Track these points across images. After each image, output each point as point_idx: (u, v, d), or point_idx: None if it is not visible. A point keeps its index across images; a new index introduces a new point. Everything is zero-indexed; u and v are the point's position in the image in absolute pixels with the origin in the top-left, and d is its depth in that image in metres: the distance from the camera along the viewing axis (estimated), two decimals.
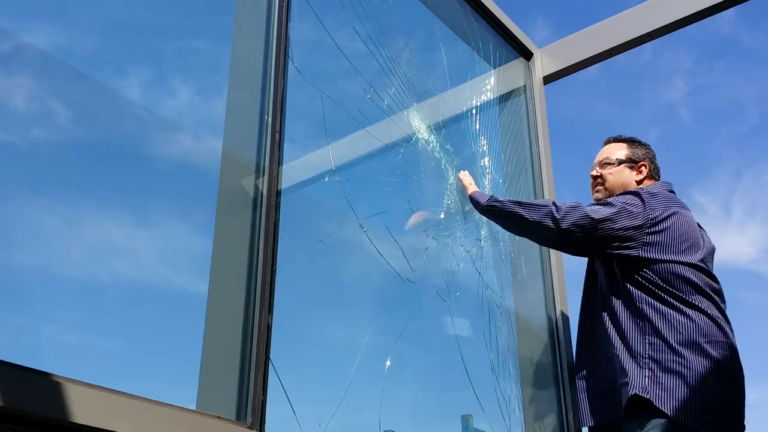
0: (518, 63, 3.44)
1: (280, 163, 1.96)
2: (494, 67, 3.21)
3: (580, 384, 2.37)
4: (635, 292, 2.24)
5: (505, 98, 3.31)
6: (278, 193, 1.93)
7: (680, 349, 2.12)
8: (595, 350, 2.35)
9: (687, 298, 2.19)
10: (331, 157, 2.18)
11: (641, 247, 2.23)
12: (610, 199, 2.33)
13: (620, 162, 2.48)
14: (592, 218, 2.23)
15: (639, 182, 2.46)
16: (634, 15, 3.28)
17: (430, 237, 2.49)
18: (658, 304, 2.20)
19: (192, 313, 1.82)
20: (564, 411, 2.79)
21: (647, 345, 2.17)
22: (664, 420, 2.07)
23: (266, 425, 1.68)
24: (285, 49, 2.08)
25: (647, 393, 2.09)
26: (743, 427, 2.18)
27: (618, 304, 2.27)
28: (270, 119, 1.98)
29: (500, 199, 2.41)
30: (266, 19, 2.11)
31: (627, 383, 2.15)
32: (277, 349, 1.77)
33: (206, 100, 2.11)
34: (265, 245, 1.83)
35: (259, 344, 1.73)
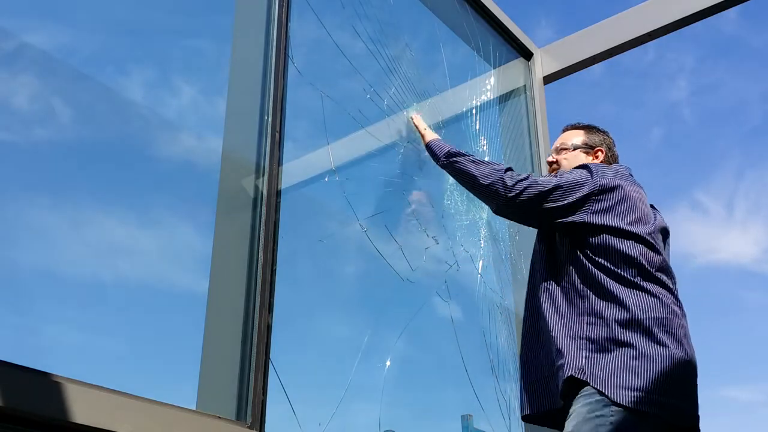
0: (518, 63, 3.44)
1: (280, 163, 1.96)
2: (494, 67, 3.21)
3: (521, 371, 2.23)
4: (576, 269, 2.14)
5: (505, 98, 3.31)
6: (278, 193, 1.93)
7: (620, 329, 2.01)
8: (535, 333, 2.22)
9: (629, 276, 2.08)
10: (331, 157, 2.18)
11: (586, 214, 2.14)
12: (558, 172, 2.28)
13: (576, 147, 2.43)
14: (542, 188, 2.16)
15: None
16: (635, 15, 3.28)
17: (430, 237, 2.49)
18: (599, 282, 2.08)
19: (192, 313, 1.82)
20: None
21: (585, 325, 2.06)
22: (598, 398, 1.93)
23: (266, 425, 1.68)
24: (285, 49, 2.08)
25: (584, 374, 1.97)
26: (691, 416, 2.01)
27: (558, 283, 2.17)
28: (270, 119, 1.98)
29: (457, 156, 2.31)
30: (266, 19, 2.11)
31: (563, 365, 2.01)
32: (277, 349, 1.77)
33: (207, 100, 2.11)
34: (265, 245, 1.83)
35: (259, 344, 1.73)
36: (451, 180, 2.66)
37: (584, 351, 2.01)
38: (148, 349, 1.75)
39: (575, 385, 1.99)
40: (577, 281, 2.12)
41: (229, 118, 2.02)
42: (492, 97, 3.14)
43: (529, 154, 3.26)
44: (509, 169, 2.24)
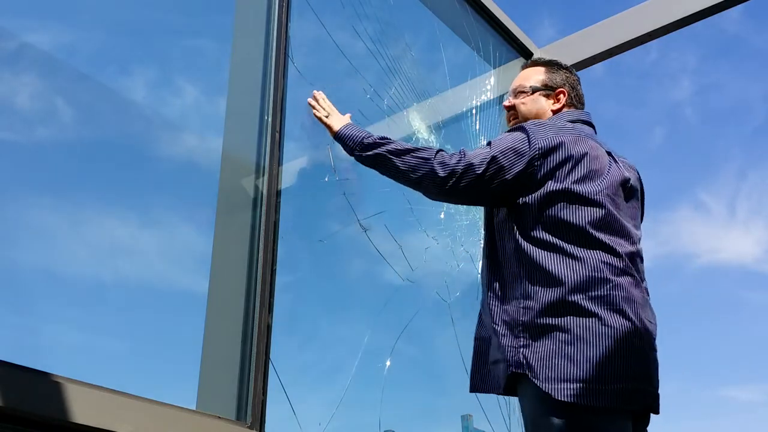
0: (518, 63, 3.44)
1: (280, 163, 1.96)
2: (494, 67, 3.21)
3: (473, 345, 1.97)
4: (512, 245, 1.89)
5: (505, 98, 3.31)
6: (278, 193, 1.93)
7: (553, 309, 1.76)
8: (480, 319, 1.99)
9: (565, 245, 1.81)
10: (331, 157, 2.18)
11: (528, 185, 1.88)
12: (492, 140, 1.96)
13: (534, 90, 2.13)
14: (477, 169, 1.88)
15: (555, 112, 2.09)
16: (635, 15, 3.29)
17: (430, 237, 2.50)
18: (532, 257, 1.82)
19: (192, 313, 1.82)
20: None
21: (521, 309, 1.81)
22: (540, 395, 1.72)
23: (266, 425, 1.68)
24: (285, 49, 2.08)
25: (522, 368, 1.75)
26: (645, 396, 1.78)
27: (496, 262, 1.93)
28: (270, 119, 1.98)
29: (375, 147, 1.95)
30: (266, 19, 2.11)
31: (503, 359, 1.80)
32: (277, 349, 1.77)
33: (207, 100, 2.11)
34: (265, 245, 1.83)
35: (259, 344, 1.73)
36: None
37: (521, 339, 1.78)
38: (148, 349, 1.75)
39: (520, 379, 1.77)
40: (513, 259, 1.87)
41: (229, 118, 2.02)
42: (492, 97, 3.14)
43: None
44: (439, 151, 1.95)
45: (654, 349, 1.83)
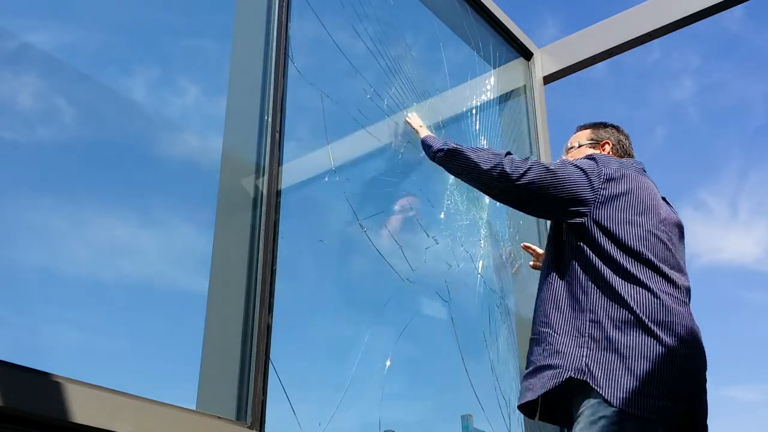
0: (518, 63, 3.44)
1: (280, 163, 1.96)
2: (494, 67, 3.21)
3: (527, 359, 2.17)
4: (579, 263, 2.06)
5: (505, 98, 3.31)
6: (278, 193, 1.93)
7: (621, 327, 1.94)
8: (535, 327, 2.15)
9: (634, 271, 2.00)
10: (331, 157, 2.18)
11: (592, 205, 2.07)
12: (562, 159, 2.25)
13: (581, 145, 2.42)
14: (544, 169, 2.09)
15: None
16: (635, 15, 3.29)
17: (430, 237, 2.50)
18: (602, 277, 2.01)
19: (192, 313, 1.82)
20: None
21: (587, 322, 1.99)
22: (599, 400, 1.89)
23: (266, 425, 1.68)
24: (285, 49, 2.08)
25: (583, 374, 1.92)
26: (694, 418, 1.96)
27: (561, 276, 2.10)
28: (270, 119, 1.98)
29: (453, 145, 2.24)
30: (266, 19, 2.11)
31: (560, 365, 1.96)
32: (277, 349, 1.77)
33: (207, 100, 2.11)
34: (265, 245, 1.83)
35: (259, 344, 1.73)
36: (452, 179, 2.66)
37: (584, 349, 1.95)
38: (148, 349, 1.75)
39: (576, 386, 1.95)
40: (581, 275, 2.04)
41: (229, 118, 2.02)
42: (492, 97, 3.14)
43: (529, 154, 3.26)
44: (509, 153, 2.17)
45: (704, 378, 2.03)
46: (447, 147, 2.26)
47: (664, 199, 2.25)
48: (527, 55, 3.47)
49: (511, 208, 2.65)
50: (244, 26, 2.14)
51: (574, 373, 1.94)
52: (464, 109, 2.92)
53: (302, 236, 2.13)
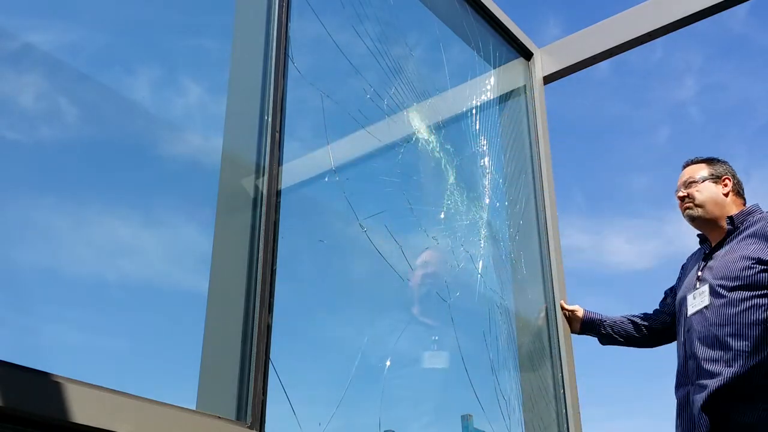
0: (518, 63, 3.44)
1: (280, 163, 1.96)
2: (494, 67, 3.21)
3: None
4: None
5: (505, 98, 3.31)
6: (278, 193, 1.93)
7: None
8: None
9: None
10: (331, 157, 2.18)
11: None
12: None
13: (704, 179, 2.63)
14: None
15: (726, 194, 2.62)
16: (635, 15, 3.28)
17: (430, 237, 2.49)
18: None
19: (192, 313, 1.82)
20: (564, 411, 2.79)
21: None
22: None
23: (266, 425, 1.68)
24: (285, 49, 2.08)
25: None
26: None
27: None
28: (270, 119, 1.98)
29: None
30: (266, 19, 2.11)
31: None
32: (277, 349, 1.77)
33: (206, 100, 2.11)
34: (265, 245, 1.83)
35: (259, 344, 1.73)
36: (452, 179, 2.66)
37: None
38: (148, 349, 1.75)
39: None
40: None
41: (229, 118, 2.02)
42: (492, 97, 3.13)
43: (529, 154, 3.26)
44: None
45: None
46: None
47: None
48: (527, 55, 3.47)
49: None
50: (244, 26, 2.14)
51: None
52: (464, 109, 2.92)
53: (302, 236, 2.13)
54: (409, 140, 2.54)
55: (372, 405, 2.11)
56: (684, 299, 2.57)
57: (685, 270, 2.72)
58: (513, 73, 3.40)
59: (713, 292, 2.46)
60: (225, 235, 1.90)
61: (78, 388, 1.30)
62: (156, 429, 1.42)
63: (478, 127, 2.92)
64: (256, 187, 1.92)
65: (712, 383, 2.34)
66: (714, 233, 2.63)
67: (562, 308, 2.89)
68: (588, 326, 2.89)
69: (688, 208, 2.64)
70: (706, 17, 3.12)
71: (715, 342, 2.39)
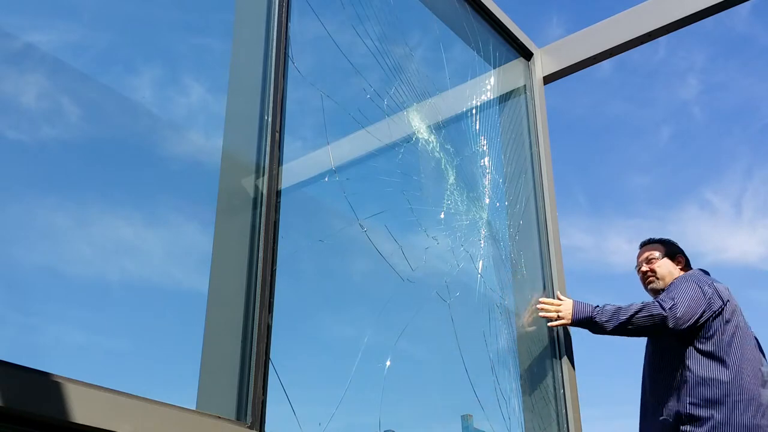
0: (518, 63, 3.44)
1: (280, 163, 1.96)
2: (494, 67, 3.21)
3: None
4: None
5: (505, 98, 3.31)
6: (278, 193, 1.93)
7: None
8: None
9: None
10: (331, 157, 2.18)
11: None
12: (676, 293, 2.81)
13: (662, 256, 3.06)
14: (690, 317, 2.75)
15: (681, 269, 3.06)
16: (635, 14, 3.28)
17: (430, 237, 2.49)
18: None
19: (192, 313, 1.82)
20: (564, 411, 2.79)
21: None
22: None
23: (266, 425, 1.68)
24: (285, 49, 2.08)
25: None
26: None
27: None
28: (270, 119, 1.98)
29: (608, 322, 2.78)
30: (266, 19, 2.11)
31: None
32: (277, 349, 1.77)
33: (206, 100, 2.11)
34: (265, 245, 1.83)
35: (259, 344, 1.73)
36: (452, 179, 2.66)
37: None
38: (149, 349, 1.75)
39: None
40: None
41: (229, 118, 2.02)
42: (492, 97, 3.13)
43: (529, 154, 3.26)
44: (645, 304, 2.81)
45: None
46: (606, 326, 2.79)
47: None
48: (527, 55, 3.47)
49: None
50: (244, 26, 2.14)
51: None
52: (464, 109, 2.92)
53: (302, 236, 2.13)
54: (409, 140, 2.54)
55: (372, 405, 2.11)
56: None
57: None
58: (513, 73, 3.40)
59: None
60: (225, 235, 1.90)
61: (78, 388, 1.30)
62: (156, 429, 1.42)
63: (478, 127, 2.93)
64: (256, 187, 1.92)
65: None
66: None
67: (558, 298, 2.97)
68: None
69: (651, 281, 3.06)
70: (705, 18, 3.12)
71: None
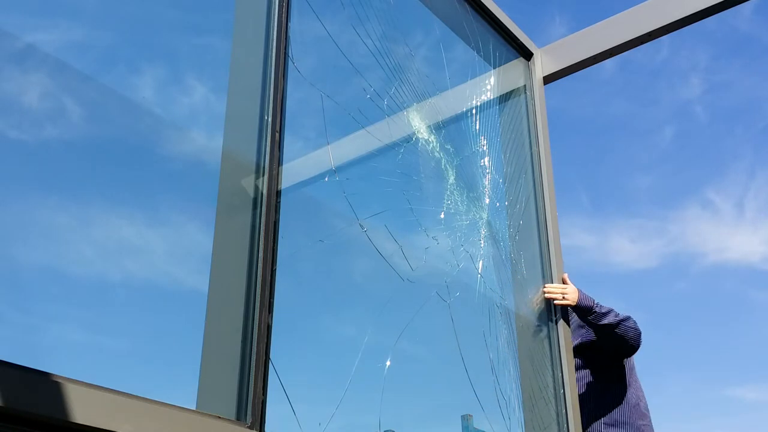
0: (518, 63, 3.44)
1: (280, 163, 1.96)
2: (494, 67, 3.21)
3: None
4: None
5: (505, 98, 3.31)
6: (278, 193, 1.93)
7: None
8: None
9: None
10: (331, 157, 2.18)
11: None
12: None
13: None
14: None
15: None
16: (635, 14, 3.28)
17: (430, 237, 2.50)
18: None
19: (192, 313, 1.82)
20: (564, 411, 2.79)
21: None
22: None
23: (266, 425, 1.68)
24: (285, 49, 2.08)
25: None
26: None
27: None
28: (270, 119, 1.98)
29: (602, 316, 2.99)
30: (266, 19, 2.11)
31: None
32: (277, 349, 1.77)
33: (206, 100, 2.11)
34: (265, 245, 1.83)
35: (259, 344, 1.73)
36: (452, 179, 2.66)
37: None
38: (149, 349, 1.75)
39: None
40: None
41: (229, 118, 2.02)
42: (492, 97, 3.14)
43: (529, 154, 3.26)
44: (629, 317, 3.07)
45: None
46: (598, 320, 2.99)
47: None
48: (527, 55, 3.47)
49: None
50: (244, 26, 2.14)
51: None
52: (464, 109, 2.92)
53: (302, 236, 2.13)
54: (409, 140, 2.54)
55: (372, 405, 2.11)
56: None
57: None
58: (513, 73, 3.40)
59: None
60: (225, 235, 1.90)
61: (78, 388, 1.30)
62: (156, 429, 1.42)
63: (478, 127, 2.93)
64: (256, 187, 1.92)
65: None
66: None
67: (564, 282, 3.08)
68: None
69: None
70: (706, 17, 3.12)
71: None
